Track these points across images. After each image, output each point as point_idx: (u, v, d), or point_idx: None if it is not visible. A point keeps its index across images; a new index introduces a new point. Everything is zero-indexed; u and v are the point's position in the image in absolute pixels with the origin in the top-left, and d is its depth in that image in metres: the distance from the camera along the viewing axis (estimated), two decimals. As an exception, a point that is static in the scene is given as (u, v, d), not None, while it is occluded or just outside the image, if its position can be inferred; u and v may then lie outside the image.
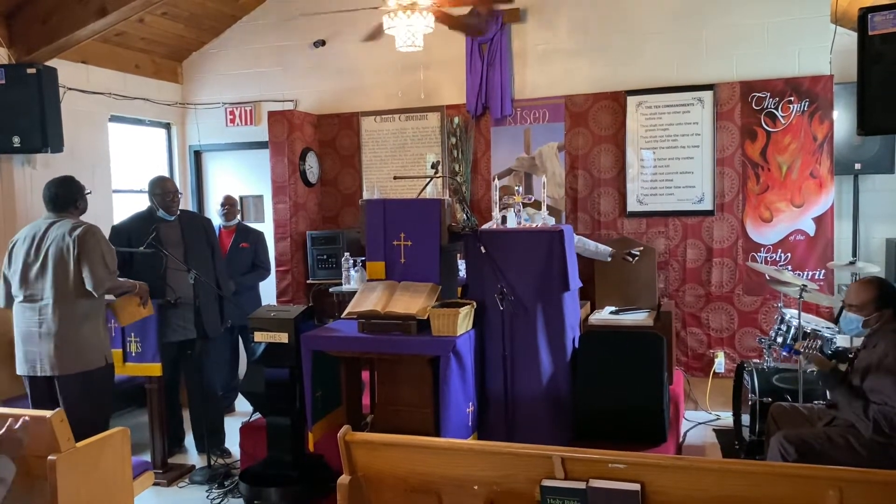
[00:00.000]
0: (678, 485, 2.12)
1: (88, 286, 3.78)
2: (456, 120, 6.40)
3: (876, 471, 2.03)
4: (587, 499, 2.15)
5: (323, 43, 6.75)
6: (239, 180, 7.21)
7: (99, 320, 3.96)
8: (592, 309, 5.71)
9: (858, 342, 3.49)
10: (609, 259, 5.25)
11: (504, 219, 4.45)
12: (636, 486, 2.11)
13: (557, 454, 2.19)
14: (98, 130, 6.26)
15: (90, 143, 6.13)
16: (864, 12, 3.42)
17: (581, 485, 2.16)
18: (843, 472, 2.02)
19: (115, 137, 6.54)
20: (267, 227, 6.72)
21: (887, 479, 1.95)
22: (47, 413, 2.57)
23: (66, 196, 3.98)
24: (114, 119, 6.49)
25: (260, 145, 6.83)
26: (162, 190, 4.71)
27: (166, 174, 7.07)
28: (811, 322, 4.63)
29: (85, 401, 3.83)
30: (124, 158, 6.71)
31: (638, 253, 5.18)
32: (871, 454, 3.02)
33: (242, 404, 5.71)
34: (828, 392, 3.41)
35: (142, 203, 4.82)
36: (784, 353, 4.31)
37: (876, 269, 4.86)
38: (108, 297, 4.08)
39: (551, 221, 4.99)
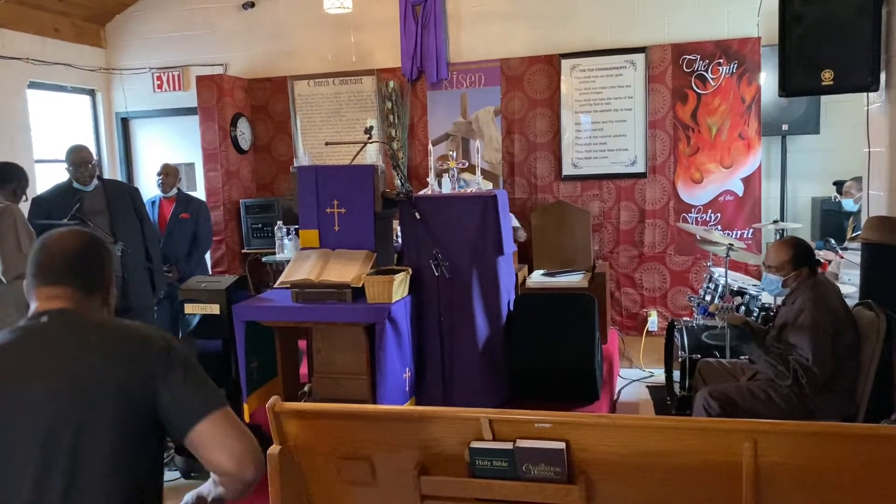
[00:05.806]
0: (602, 441, 2.16)
1: None
2: (391, 84, 6.30)
3: (787, 422, 2.12)
4: (514, 458, 2.19)
5: (252, 5, 6.55)
6: (169, 148, 7.00)
7: (5, 307, 3.73)
8: (531, 272, 5.77)
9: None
10: None
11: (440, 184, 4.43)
12: (561, 445, 2.15)
13: (485, 416, 2.21)
14: (15, 97, 5.99)
15: (7, 111, 5.87)
16: (786, -26, 3.48)
17: (508, 445, 2.19)
18: (757, 424, 2.09)
19: (36, 105, 6.26)
20: (199, 196, 6.56)
21: (797, 430, 2.04)
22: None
23: (5, 173, 3.90)
24: (33, 86, 6.21)
25: (190, 111, 6.63)
26: (74, 160, 4.44)
27: (92, 142, 6.83)
28: (738, 280, 4.78)
29: None
30: (47, 127, 6.44)
31: None
32: (789, 406, 3.15)
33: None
34: (742, 347, 3.51)
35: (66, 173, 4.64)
36: (700, 314, 4.42)
37: (799, 226, 5.03)
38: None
39: (487, 186, 5.00)
